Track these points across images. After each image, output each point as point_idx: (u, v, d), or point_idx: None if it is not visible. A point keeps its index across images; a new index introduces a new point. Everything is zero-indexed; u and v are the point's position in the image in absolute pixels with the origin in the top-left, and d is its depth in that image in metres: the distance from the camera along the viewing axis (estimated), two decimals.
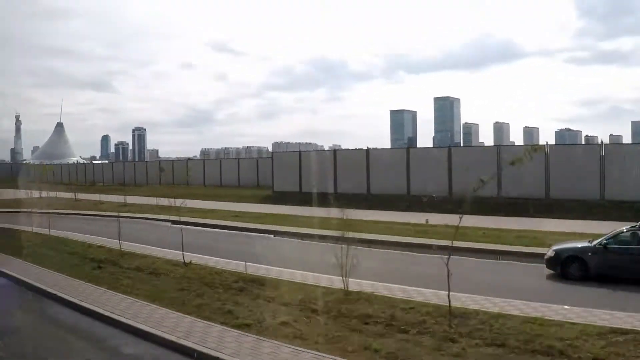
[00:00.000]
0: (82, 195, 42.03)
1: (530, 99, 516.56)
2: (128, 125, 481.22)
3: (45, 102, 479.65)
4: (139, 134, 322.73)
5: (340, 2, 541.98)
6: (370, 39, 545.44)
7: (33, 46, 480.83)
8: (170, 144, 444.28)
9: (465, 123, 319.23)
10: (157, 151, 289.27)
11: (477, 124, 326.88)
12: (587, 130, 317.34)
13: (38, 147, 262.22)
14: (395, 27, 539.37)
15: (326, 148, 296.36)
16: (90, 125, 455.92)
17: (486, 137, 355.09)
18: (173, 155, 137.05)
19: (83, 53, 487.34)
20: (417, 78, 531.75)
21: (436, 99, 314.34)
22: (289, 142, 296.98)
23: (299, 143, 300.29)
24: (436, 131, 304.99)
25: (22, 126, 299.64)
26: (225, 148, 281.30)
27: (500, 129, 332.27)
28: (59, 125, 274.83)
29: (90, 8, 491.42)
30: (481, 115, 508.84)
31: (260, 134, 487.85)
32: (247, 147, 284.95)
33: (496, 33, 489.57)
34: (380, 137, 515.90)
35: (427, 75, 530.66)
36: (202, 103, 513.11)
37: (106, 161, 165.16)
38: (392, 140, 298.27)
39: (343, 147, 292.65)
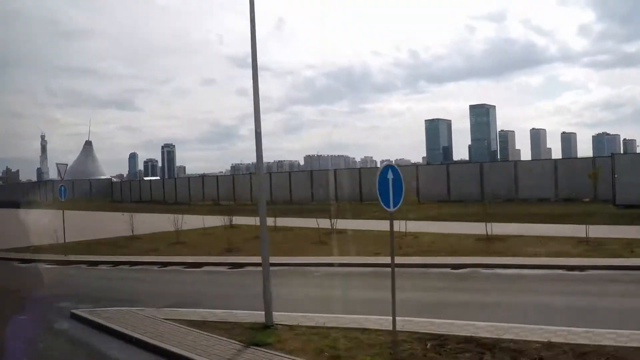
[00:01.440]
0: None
1: (553, 104, 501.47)
2: (151, 142, 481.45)
3: (68, 122, 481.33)
4: (168, 151, 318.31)
5: (359, 13, 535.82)
6: (391, 49, 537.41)
7: (54, 67, 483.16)
8: (196, 160, 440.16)
9: (502, 131, 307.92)
10: (184, 168, 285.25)
11: (513, 131, 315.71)
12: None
13: (65, 165, 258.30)
14: (416, 37, 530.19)
15: (357, 160, 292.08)
16: (113, 144, 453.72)
17: (522, 145, 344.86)
18: (200, 172, 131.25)
19: (104, 72, 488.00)
20: (439, 88, 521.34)
21: (472, 107, 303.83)
22: (320, 155, 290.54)
23: (331, 156, 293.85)
24: (472, 140, 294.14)
25: (47, 146, 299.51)
26: (254, 163, 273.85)
27: (537, 135, 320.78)
28: (87, 144, 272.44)
29: (109, 27, 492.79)
30: (511, 122, 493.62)
31: (285, 148, 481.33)
32: (279, 160, 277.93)
33: (518, 39, 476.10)
34: (408, 148, 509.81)
35: (449, 84, 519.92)
36: (225, 119, 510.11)
37: (157, 177, 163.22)
38: (428, 150, 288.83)
39: (379, 159, 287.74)
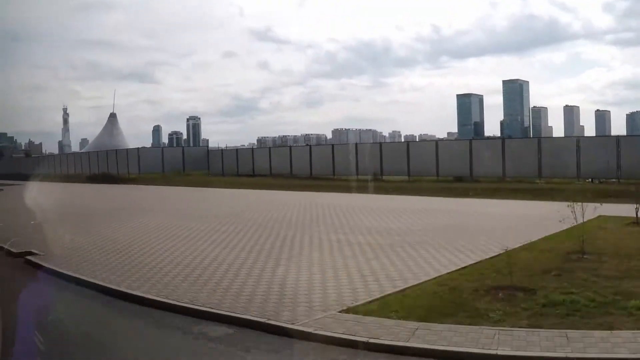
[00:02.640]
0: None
1: (576, 81, 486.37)
2: (171, 115, 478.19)
3: (88, 95, 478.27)
4: (194, 124, 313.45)
5: None
6: (413, 23, 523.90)
7: (73, 40, 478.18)
8: (218, 133, 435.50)
9: (534, 107, 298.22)
10: (207, 140, 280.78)
11: (546, 108, 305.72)
12: None
13: (86, 139, 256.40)
14: (438, 12, 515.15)
15: (385, 135, 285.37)
16: (134, 117, 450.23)
17: (555, 121, 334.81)
18: (223, 145, 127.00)
19: (124, 45, 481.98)
20: (461, 63, 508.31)
21: (505, 82, 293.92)
22: (349, 129, 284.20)
23: (360, 130, 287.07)
24: (505, 115, 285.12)
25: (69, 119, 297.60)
26: (283, 136, 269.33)
27: (570, 112, 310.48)
28: (112, 116, 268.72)
29: (129, 0, 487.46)
30: (533, 98, 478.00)
31: (305, 122, 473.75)
32: (306, 134, 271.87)
33: (541, 15, 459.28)
34: (429, 123, 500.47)
35: (471, 60, 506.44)
36: (245, 92, 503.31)
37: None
38: (459, 126, 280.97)
39: (403, 134, 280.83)
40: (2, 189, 40.29)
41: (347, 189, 29.05)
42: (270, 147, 61.60)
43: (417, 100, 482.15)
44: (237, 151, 52.66)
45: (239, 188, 35.33)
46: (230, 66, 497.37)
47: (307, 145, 47.72)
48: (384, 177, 36.89)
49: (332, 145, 47.32)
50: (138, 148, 57.28)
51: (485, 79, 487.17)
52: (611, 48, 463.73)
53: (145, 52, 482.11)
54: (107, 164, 56.19)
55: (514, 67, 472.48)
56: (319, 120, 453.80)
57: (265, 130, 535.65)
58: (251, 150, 56.40)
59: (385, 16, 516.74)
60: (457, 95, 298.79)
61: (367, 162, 37.13)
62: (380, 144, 48.68)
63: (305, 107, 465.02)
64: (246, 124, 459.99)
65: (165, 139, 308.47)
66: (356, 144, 44.98)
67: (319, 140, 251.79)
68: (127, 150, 61.62)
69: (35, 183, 49.75)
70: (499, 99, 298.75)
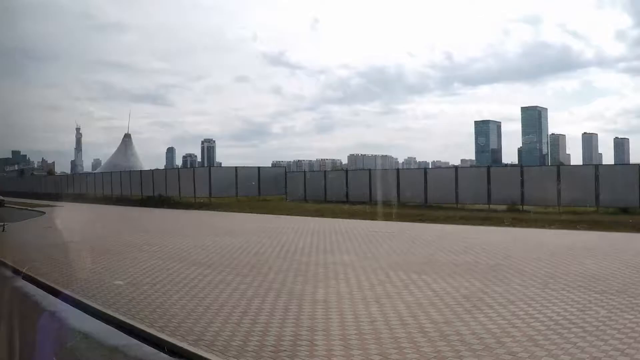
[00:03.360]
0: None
1: (587, 109, 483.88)
2: (183, 138, 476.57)
3: (101, 115, 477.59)
4: (209, 146, 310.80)
5: (394, 14, 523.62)
6: (425, 50, 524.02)
7: (88, 60, 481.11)
8: (229, 157, 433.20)
9: (552, 134, 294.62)
10: (220, 163, 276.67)
11: (564, 135, 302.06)
12: None
13: (99, 159, 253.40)
14: (450, 39, 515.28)
15: (400, 161, 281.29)
16: (146, 138, 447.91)
17: (573, 149, 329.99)
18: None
19: (137, 67, 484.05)
20: (473, 90, 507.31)
21: (523, 109, 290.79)
22: (365, 155, 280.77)
23: (375, 155, 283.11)
24: (524, 143, 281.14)
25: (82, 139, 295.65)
26: (298, 160, 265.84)
27: (589, 140, 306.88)
28: (127, 137, 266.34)
29: (143, 22, 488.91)
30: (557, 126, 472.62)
31: (315, 147, 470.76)
32: (321, 159, 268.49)
33: (553, 43, 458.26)
34: (441, 150, 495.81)
35: (484, 87, 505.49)
36: (257, 116, 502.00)
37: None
38: (477, 152, 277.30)
39: (417, 160, 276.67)
40: (43, 212, 35.74)
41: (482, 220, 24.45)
42: (347, 170, 55.43)
43: (429, 127, 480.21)
44: (305, 174, 47.91)
45: (361, 219, 27.28)
46: (242, 90, 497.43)
47: (395, 169, 41.87)
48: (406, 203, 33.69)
49: (425, 170, 42.24)
50: (209, 166, 50.85)
51: (497, 107, 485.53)
52: (623, 76, 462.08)
53: (158, 74, 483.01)
54: (153, 186, 51.20)
55: (526, 95, 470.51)
56: (330, 146, 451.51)
57: (277, 155, 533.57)
58: (323, 173, 50.30)
59: (398, 42, 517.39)
60: (475, 122, 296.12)
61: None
62: (456, 168, 42.82)
63: (316, 133, 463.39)
64: (257, 149, 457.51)
65: (178, 161, 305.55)
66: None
67: (335, 165, 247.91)
68: (193, 169, 55.02)
69: (79, 205, 45.37)
70: (512, 126, 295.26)
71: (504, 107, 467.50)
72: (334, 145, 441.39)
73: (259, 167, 48.11)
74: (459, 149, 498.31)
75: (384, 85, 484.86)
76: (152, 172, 56.47)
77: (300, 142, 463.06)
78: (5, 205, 43.66)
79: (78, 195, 58.19)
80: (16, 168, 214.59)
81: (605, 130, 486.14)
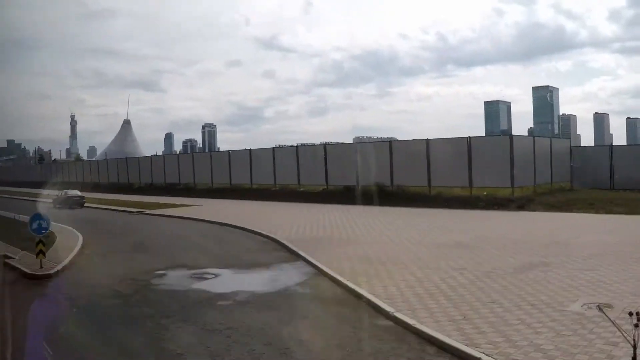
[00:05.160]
0: None
1: (581, 90, 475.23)
2: (177, 123, 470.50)
3: (94, 102, 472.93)
4: (209, 131, 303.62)
5: None
6: (419, 32, 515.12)
7: (79, 48, 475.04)
8: (224, 142, 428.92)
9: (563, 114, 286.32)
10: (218, 149, 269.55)
11: (575, 115, 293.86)
12: None
13: (94, 147, 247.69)
14: (444, 20, 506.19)
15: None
16: (139, 125, 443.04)
17: (584, 130, 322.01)
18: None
19: (129, 53, 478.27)
20: (467, 72, 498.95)
21: (535, 88, 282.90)
22: (370, 137, 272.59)
23: (381, 138, 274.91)
24: (535, 122, 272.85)
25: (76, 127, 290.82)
26: (302, 144, 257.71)
27: (600, 120, 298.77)
28: (126, 123, 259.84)
29: (134, 8, 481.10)
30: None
31: (310, 131, 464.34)
32: (326, 142, 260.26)
33: (547, 23, 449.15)
34: (437, 131, 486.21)
35: (477, 69, 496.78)
36: (250, 101, 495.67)
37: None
38: (487, 133, 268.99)
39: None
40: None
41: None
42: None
43: (423, 109, 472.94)
44: None
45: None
46: (235, 75, 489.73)
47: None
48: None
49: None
50: (273, 148, 41.87)
51: (491, 87, 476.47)
52: (617, 56, 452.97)
53: (150, 60, 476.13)
54: (179, 173, 44.86)
55: (519, 76, 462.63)
56: (324, 130, 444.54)
57: (270, 139, 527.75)
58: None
59: (391, 25, 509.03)
60: (485, 102, 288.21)
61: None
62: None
63: (310, 116, 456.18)
64: (250, 133, 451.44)
65: (177, 147, 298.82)
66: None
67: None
68: (229, 152, 43.04)
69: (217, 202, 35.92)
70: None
71: (498, 87, 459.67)
72: (328, 128, 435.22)
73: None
74: (456, 130, 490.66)
75: (377, 68, 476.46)
76: (178, 157, 49.61)
77: (293, 125, 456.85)
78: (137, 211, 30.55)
79: (95, 184, 52.59)
80: (11, 157, 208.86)
81: (600, 110, 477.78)
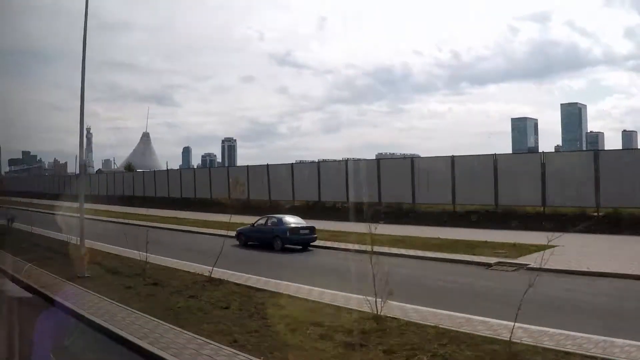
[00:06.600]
0: None
1: (595, 108, 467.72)
2: (190, 138, 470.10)
3: (107, 115, 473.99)
4: (229, 145, 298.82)
5: (401, 13, 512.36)
6: (432, 49, 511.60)
7: (93, 61, 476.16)
8: (241, 157, 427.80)
9: (591, 132, 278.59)
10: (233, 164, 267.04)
11: (603, 133, 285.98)
12: None
13: (109, 160, 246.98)
14: (458, 37, 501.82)
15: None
16: (155, 139, 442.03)
17: (610, 147, 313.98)
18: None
19: (143, 67, 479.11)
20: (481, 89, 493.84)
21: (563, 105, 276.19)
22: (393, 153, 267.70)
23: (404, 154, 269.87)
24: (564, 140, 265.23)
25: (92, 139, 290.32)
26: (323, 160, 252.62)
27: (629, 137, 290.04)
28: (145, 136, 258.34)
29: (148, 22, 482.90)
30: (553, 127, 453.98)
31: (323, 148, 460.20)
32: (346, 158, 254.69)
33: (561, 41, 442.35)
34: (452, 149, 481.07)
35: (491, 86, 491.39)
36: (263, 116, 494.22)
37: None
38: (514, 150, 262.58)
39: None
40: None
41: None
42: None
43: (436, 127, 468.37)
44: None
45: None
46: (249, 90, 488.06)
47: None
48: None
49: None
50: (346, 160, 37.23)
51: (504, 106, 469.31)
52: (631, 74, 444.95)
53: (164, 74, 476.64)
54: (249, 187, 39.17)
55: (533, 94, 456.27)
56: (337, 146, 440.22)
57: (284, 155, 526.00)
58: None
59: (404, 41, 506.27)
60: (512, 119, 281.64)
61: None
62: None
63: (323, 133, 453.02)
64: (264, 149, 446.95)
65: (194, 161, 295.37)
66: None
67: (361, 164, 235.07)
68: (292, 165, 39.70)
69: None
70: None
71: (510, 106, 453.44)
72: (341, 145, 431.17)
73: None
74: (468, 148, 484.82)
75: (390, 85, 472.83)
76: (227, 170, 45.67)
77: (307, 142, 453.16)
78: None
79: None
80: (24, 167, 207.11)
81: (613, 129, 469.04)
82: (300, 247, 21.65)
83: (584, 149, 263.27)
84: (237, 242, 22.63)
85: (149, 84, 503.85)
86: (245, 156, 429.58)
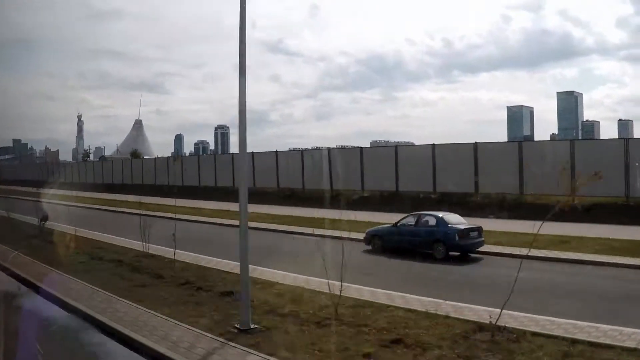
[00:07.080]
0: None
1: (587, 97, 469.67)
2: (182, 126, 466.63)
3: (97, 104, 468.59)
4: (222, 132, 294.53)
5: (393, 1, 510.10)
6: (425, 37, 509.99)
7: (84, 49, 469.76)
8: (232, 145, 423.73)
9: (586, 121, 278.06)
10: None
11: (599, 122, 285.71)
12: None
13: (100, 147, 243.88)
14: (450, 26, 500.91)
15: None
16: (146, 126, 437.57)
17: (608, 136, 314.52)
18: None
19: (134, 55, 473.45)
20: (473, 78, 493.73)
21: (559, 94, 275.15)
22: (387, 141, 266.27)
23: (397, 142, 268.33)
24: (560, 129, 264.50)
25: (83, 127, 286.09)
26: (316, 147, 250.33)
27: (625, 126, 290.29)
28: (138, 123, 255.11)
29: (139, 10, 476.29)
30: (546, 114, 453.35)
31: (315, 135, 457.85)
32: (341, 146, 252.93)
33: (554, 30, 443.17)
34: (444, 137, 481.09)
35: (483, 75, 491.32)
36: (255, 104, 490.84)
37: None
38: (509, 139, 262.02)
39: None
40: None
41: None
42: None
43: (428, 115, 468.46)
44: None
45: None
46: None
47: None
48: None
49: None
50: (361, 148, 35.44)
51: (497, 94, 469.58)
52: (624, 64, 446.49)
53: (155, 62, 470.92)
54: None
55: (525, 83, 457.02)
56: (329, 134, 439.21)
57: (275, 143, 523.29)
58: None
59: (397, 29, 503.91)
60: (508, 107, 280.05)
61: None
62: None
63: (315, 120, 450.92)
64: (256, 137, 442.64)
65: (187, 148, 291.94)
66: None
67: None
68: (330, 150, 37.73)
69: None
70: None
71: (502, 94, 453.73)
72: (333, 132, 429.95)
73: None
74: (461, 137, 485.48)
75: (383, 73, 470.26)
76: (232, 157, 41.92)
77: (299, 129, 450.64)
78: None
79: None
80: (11, 156, 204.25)
81: (605, 118, 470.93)
82: (459, 253, 17.11)
83: (580, 137, 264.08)
84: (369, 247, 18.52)
85: (140, 72, 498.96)
86: (237, 143, 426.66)
